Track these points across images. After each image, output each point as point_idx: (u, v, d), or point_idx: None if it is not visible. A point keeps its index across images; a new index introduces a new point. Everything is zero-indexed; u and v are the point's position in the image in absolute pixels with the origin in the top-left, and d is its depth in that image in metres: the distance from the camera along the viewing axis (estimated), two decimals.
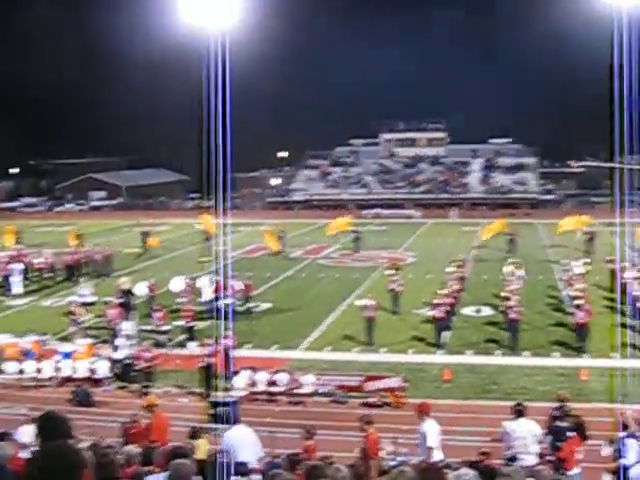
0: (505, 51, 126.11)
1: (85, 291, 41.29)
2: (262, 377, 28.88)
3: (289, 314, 40.99)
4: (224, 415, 24.84)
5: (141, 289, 40.52)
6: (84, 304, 39.44)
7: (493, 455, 15.63)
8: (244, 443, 15.53)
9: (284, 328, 38.16)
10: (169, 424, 19.19)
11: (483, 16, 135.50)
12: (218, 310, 35.80)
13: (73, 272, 51.32)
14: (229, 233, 68.16)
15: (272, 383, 28.76)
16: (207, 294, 39.43)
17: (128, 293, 38.59)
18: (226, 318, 34.32)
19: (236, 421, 24.73)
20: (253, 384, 28.82)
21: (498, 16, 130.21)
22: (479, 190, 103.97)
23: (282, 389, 28.63)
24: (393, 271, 42.88)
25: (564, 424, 18.25)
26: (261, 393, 28.61)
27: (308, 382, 28.70)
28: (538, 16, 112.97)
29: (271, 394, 28.52)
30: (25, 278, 50.19)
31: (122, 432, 19.92)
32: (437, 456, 17.65)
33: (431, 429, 18.11)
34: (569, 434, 17.71)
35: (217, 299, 37.19)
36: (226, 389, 28.75)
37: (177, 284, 40.79)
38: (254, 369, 29.32)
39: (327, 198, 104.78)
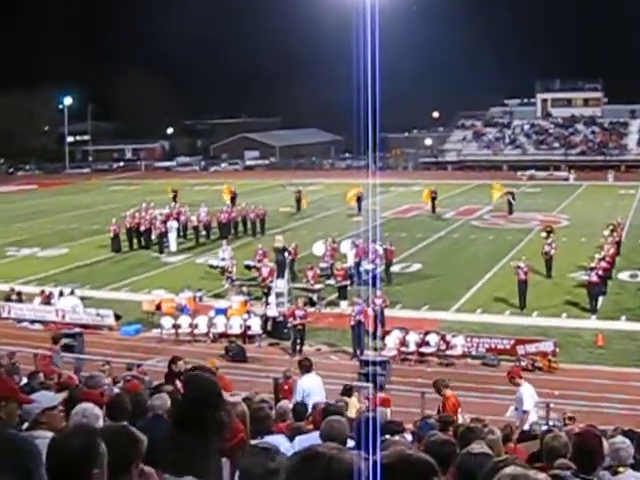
0: None
1: (226, 254, 41.25)
2: (412, 338, 28.95)
3: (440, 275, 40.81)
4: (374, 374, 25.05)
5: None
6: (223, 267, 39.90)
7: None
8: (314, 390, 17.40)
9: (435, 289, 38.08)
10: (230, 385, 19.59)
11: None
12: (359, 275, 35.90)
13: (228, 230, 52.25)
14: (379, 193, 68.29)
15: (422, 344, 28.81)
16: (350, 258, 39.31)
17: (283, 251, 38.69)
18: (367, 284, 34.32)
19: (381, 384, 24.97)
20: (404, 344, 28.91)
21: None
22: (637, 152, 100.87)
23: (432, 350, 28.65)
24: (547, 234, 42.19)
25: None
26: (411, 353, 28.71)
27: (458, 344, 28.64)
28: None
29: (421, 355, 28.59)
30: (180, 236, 51.38)
31: (275, 388, 20.31)
32: (532, 418, 17.94)
33: (527, 392, 18.56)
34: None
35: (359, 264, 37.16)
36: (377, 348, 28.96)
37: (319, 248, 40.56)
38: (405, 329, 29.40)
39: (481, 159, 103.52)
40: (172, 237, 49.54)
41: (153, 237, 49.96)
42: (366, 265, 36.19)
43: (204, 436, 4.98)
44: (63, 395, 8.09)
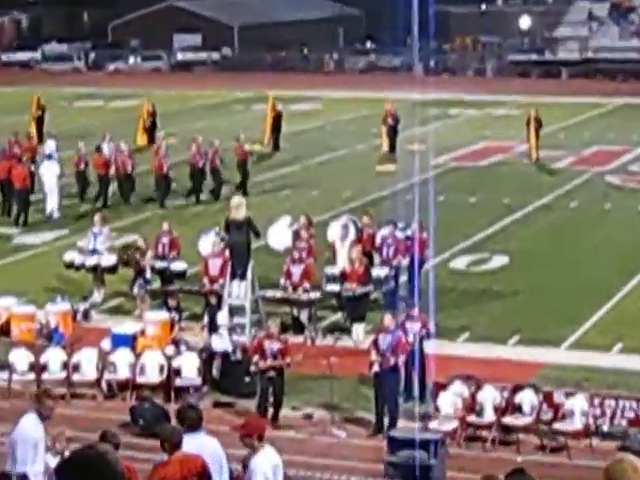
0: None
1: (98, 242, 39.47)
2: (490, 396, 28.70)
3: (543, 278, 40.78)
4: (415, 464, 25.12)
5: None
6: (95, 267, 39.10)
7: None
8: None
9: (532, 304, 38.04)
10: None
11: None
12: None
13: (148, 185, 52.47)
14: (433, 119, 68.38)
15: (509, 409, 28.59)
16: (342, 253, 37.87)
17: (247, 226, 37.09)
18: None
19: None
20: (472, 409, 28.69)
21: None
22: None
23: (527, 421, 28.42)
24: None
25: None
26: (488, 427, 28.35)
27: (577, 410, 28.46)
28: None
29: (507, 430, 28.26)
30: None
31: None
32: None
33: (259, 465, 19.38)
34: None
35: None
36: (422, 417, 28.88)
37: (283, 233, 39.11)
38: (475, 380, 29.20)
39: (625, 57, 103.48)
40: (50, 192, 49.19)
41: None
42: (378, 269, 35.97)
43: None
44: None
